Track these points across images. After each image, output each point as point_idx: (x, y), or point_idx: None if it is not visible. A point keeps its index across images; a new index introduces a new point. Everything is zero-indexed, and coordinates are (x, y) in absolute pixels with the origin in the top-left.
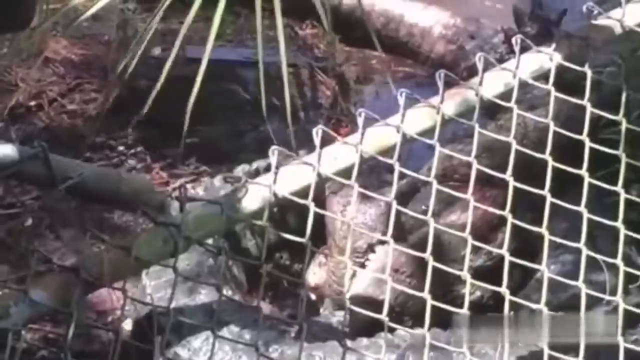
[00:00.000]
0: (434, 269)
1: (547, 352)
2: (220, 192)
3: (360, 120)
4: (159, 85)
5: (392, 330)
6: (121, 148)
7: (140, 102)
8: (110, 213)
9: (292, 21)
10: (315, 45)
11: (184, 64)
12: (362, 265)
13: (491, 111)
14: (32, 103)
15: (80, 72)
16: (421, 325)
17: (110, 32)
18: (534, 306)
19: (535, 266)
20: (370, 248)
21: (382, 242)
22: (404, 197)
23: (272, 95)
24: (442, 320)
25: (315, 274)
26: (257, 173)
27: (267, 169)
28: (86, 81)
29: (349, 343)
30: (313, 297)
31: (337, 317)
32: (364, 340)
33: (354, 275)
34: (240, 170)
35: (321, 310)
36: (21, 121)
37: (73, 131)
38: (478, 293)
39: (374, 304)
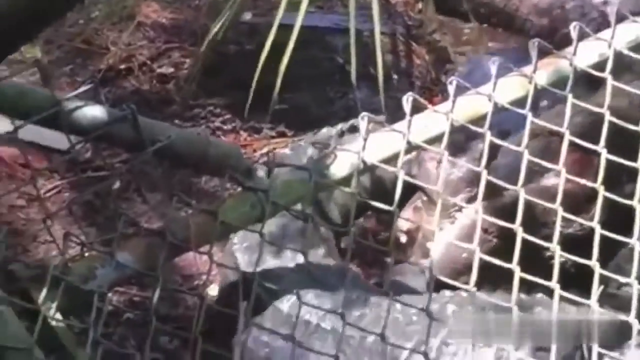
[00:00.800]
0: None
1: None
2: (306, 157)
3: (451, 89)
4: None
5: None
6: (209, 112)
7: (229, 67)
8: (197, 178)
9: None
10: (407, 13)
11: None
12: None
13: (592, 80)
14: (122, 66)
15: (170, 36)
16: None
17: None
18: (623, 279)
19: (627, 240)
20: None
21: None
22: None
23: (362, 63)
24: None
25: (409, 219)
26: (341, 134)
27: (351, 130)
28: (176, 45)
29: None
30: (404, 239)
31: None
32: (447, 293)
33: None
34: (325, 132)
35: (410, 257)
36: (111, 84)
37: (162, 95)
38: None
39: (455, 261)
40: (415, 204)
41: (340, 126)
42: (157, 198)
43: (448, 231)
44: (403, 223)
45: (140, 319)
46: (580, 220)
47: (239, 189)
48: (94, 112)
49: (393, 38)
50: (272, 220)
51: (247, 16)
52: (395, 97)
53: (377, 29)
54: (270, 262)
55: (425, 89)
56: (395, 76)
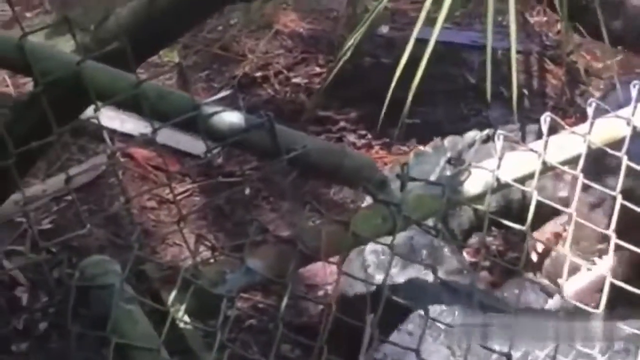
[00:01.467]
0: None
1: None
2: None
3: (590, 110)
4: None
5: None
6: (342, 124)
7: (364, 79)
8: (326, 189)
9: (522, 7)
10: (545, 32)
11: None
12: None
13: None
14: (258, 74)
15: (307, 46)
16: None
17: (340, 7)
18: None
19: None
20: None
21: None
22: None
23: (497, 81)
24: None
25: (545, 240)
26: (472, 144)
27: (484, 141)
28: (312, 55)
29: None
30: (535, 258)
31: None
32: None
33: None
34: (450, 140)
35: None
36: (246, 91)
37: (296, 104)
38: None
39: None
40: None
41: (472, 134)
42: (286, 207)
43: (581, 277)
44: (538, 244)
45: (263, 325)
46: None
47: (370, 200)
48: (232, 118)
49: (528, 57)
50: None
51: (384, 29)
52: (528, 117)
53: (514, 47)
54: (398, 276)
55: (559, 109)
56: (528, 96)
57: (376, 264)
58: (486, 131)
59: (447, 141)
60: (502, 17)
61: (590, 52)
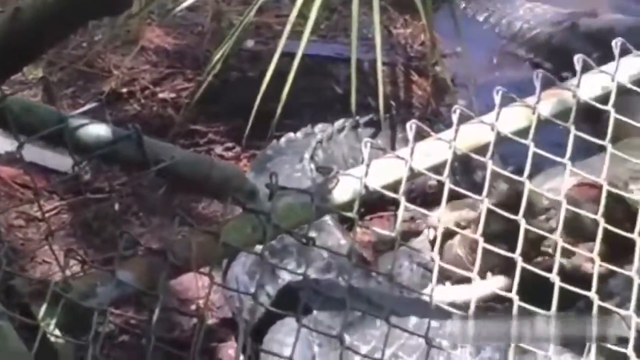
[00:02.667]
0: None
1: None
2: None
3: (454, 117)
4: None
5: None
6: (211, 136)
7: (231, 93)
8: (196, 202)
9: (387, 19)
10: (410, 44)
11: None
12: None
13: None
14: (124, 90)
15: (173, 61)
16: None
17: (205, 22)
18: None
19: (626, 272)
20: None
21: None
22: None
23: (364, 93)
24: None
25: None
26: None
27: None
28: (178, 70)
29: None
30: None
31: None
32: None
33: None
34: (320, 127)
35: None
36: (112, 107)
37: (163, 119)
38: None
39: None
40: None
41: (342, 121)
42: (156, 221)
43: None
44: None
45: (136, 341)
46: (581, 252)
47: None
48: (99, 130)
49: (394, 69)
50: None
51: (250, 44)
52: (395, 127)
53: (379, 59)
54: (268, 283)
55: (425, 119)
56: (395, 107)
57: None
58: (357, 117)
59: (318, 128)
60: (367, 30)
61: (457, 64)
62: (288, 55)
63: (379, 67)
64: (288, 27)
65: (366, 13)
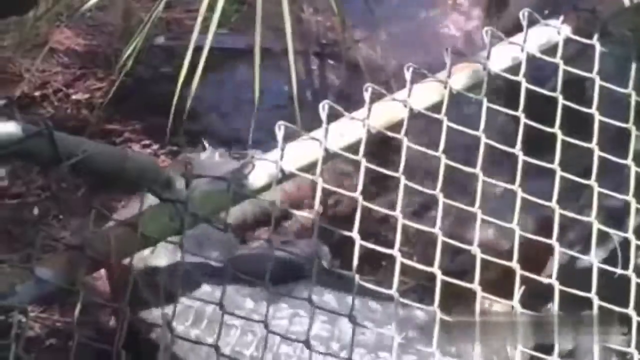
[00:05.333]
0: None
1: None
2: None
3: (367, 95)
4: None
5: None
6: (127, 135)
7: (145, 91)
8: (117, 201)
9: (297, 8)
10: (322, 31)
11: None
12: None
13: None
14: (37, 93)
15: (84, 62)
16: None
17: (115, 21)
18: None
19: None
20: None
21: None
22: None
23: (278, 81)
24: None
25: None
26: None
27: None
28: (90, 71)
29: None
30: None
31: None
32: None
33: None
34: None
35: None
36: (26, 111)
37: (78, 120)
38: None
39: None
40: None
41: None
42: (76, 223)
43: None
44: None
45: (63, 344)
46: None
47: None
48: (9, 128)
49: (307, 57)
50: None
51: (161, 40)
52: (311, 114)
53: (290, 47)
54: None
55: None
56: (311, 94)
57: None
58: None
59: None
60: (278, 19)
61: (371, 47)
62: (201, 50)
63: (291, 55)
64: (199, 21)
65: (276, 3)
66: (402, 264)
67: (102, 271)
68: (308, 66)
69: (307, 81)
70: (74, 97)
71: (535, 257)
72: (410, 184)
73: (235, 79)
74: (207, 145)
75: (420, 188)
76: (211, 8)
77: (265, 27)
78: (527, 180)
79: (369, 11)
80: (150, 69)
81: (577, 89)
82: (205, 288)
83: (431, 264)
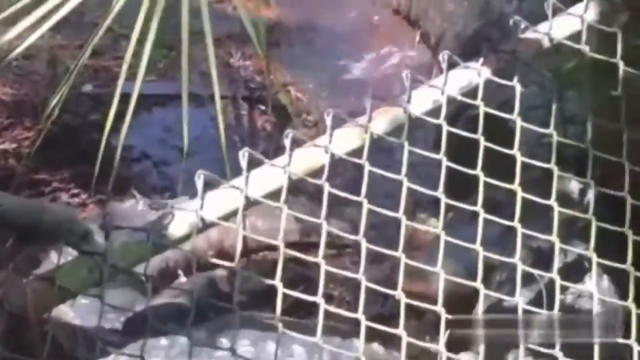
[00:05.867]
0: None
1: None
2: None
3: (287, 142)
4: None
5: None
6: (56, 184)
7: (72, 139)
8: (45, 252)
9: (225, 53)
10: (250, 76)
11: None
12: None
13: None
14: None
15: (11, 111)
16: None
17: (41, 70)
18: None
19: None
20: None
21: None
22: None
23: (207, 128)
24: None
25: None
26: None
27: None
28: (18, 120)
29: None
30: None
31: None
32: None
33: None
34: None
35: None
36: None
37: (6, 170)
38: None
39: None
40: None
41: None
42: (1, 276)
43: None
44: None
45: None
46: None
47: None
48: None
49: (236, 102)
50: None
51: (88, 87)
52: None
53: (217, 93)
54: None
55: (268, 150)
56: (238, 139)
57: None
58: None
59: None
60: (205, 65)
61: (299, 91)
62: (129, 97)
63: (217, 100)
64: (124, 68)
65: (203, 48)
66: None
67: None
68: (237, 111)
69: (236, 126)
70: (0, 147)
71: (466, 300)
72: (333, 230)
73: (164, 125)
74: (136, 194)
75: (341, 234)
76: (138, 55)
77: (193, 72)
78: (458, 225)
79: (296, 56)
80: (78, 117)
81: (501, 128)
82: (125, 339)
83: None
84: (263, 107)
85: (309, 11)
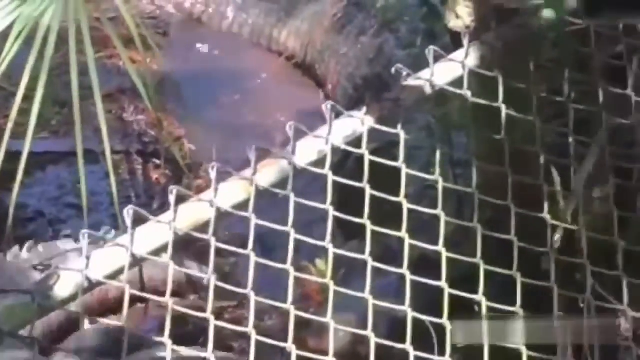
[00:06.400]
0: None
1: None
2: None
3: (172, 198)
4: None
5: None
6: None
7: None
8: None
9: (118, 108)
10: (144, 130)
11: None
12: None
13: None
14: None
15: None
16: None
17: None
18: None
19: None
20: None
21: None
22: None
23: (104, 183)
24: None
25: None
26: None
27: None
28: None
29: None
30: None
31: None
32: None
33: None
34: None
35: None
36: None
37: None
38: None
39: None
40: None
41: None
42: None
43: None
44: None
45: None
46: None
47: None
48: None
49: (130, 157)
50: None
51: None
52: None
53: (108, 149)
54: None
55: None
56: (133, 193)
57: None
58: None
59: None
60: (98, 120)
61: (191, 142)
62: (20, 155)
63: (108, 156)
64: (9, 126)
65: (95, 104)
66: None
67: None
68: (132, 165)
69: (131, 181)
70: None
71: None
72: (221, 284)
73: (58, 183)
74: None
75: (230, 287)
76: (28, 112)
77: (86, 128)
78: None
79: (186, 108)
80: None
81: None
82: None
83: None
84: (157, 161)
85: (198, 62)
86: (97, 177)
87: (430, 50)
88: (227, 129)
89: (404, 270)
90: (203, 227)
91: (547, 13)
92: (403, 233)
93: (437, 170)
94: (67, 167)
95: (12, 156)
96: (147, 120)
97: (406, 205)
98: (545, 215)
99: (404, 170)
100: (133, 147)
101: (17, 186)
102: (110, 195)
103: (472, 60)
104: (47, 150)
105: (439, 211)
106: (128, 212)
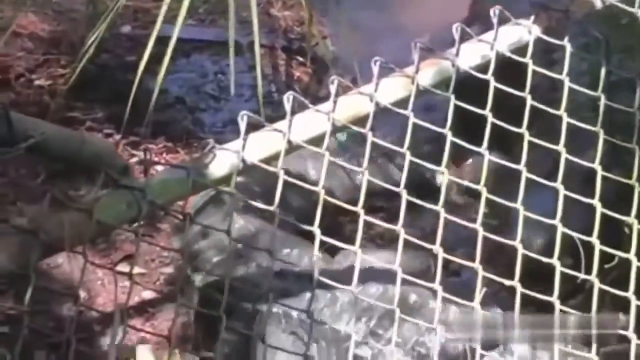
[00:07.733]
0: None
1: None
2: None
3: (332, 88)
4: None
5: None
6: (89, 124)
7: (109, 79)
8: (76, 190)
9: (266, 2)
10: (290, 26)
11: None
12: None
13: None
14: None
15: (48, 47)
16: None
17: (80, 8)
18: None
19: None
20: None
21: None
22: None
23: (244, 76)
24: None
25: None
26: None
27: None
28: (54, 57)
29: None
30: None
31: None
32: None
33: None
34: None
35: None
36: None
37: (40, 106)
38: None
39: None
40: None
41: None
42: (33, 210)
43: None
44: None
45: (17, 332)
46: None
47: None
48: None
49: (274, 51)
50: None
51: (127, 29)
52: (276, 109)
53: (257, 41)
54: None
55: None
56: (277, 90)
57: None
58: None
59: None
60: (246, 13)
61: (338, 43)
62: (167, 40)
63: (257, 48)
64: (163, 10)
65: None
66: None
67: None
68: (275, 60)
69: (273, 76)
70: (36, 82)
71: None
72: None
73: (201, 71)
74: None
75: (383, 185)
76: None
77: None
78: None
79: (338, 7)
80: (115, 58)
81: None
82: None
83: None
84: (301, 59)
85: None
86: (239, 69)
87: None
88: (380, 34)
89: (558, 185)
90: (360, 121)
91: None
92: (561, 147)
93: (601, 86)
94: (210, 55)
95: (159, 41)
96: (293, 17)
97: (565, 119)
98: None
99: (567, 84)
100: (278, 43)
101: (163, 71)
102: (252, 87)
103: None
104: (192, 38)
105: (597, 128)
106: (288, 98)
